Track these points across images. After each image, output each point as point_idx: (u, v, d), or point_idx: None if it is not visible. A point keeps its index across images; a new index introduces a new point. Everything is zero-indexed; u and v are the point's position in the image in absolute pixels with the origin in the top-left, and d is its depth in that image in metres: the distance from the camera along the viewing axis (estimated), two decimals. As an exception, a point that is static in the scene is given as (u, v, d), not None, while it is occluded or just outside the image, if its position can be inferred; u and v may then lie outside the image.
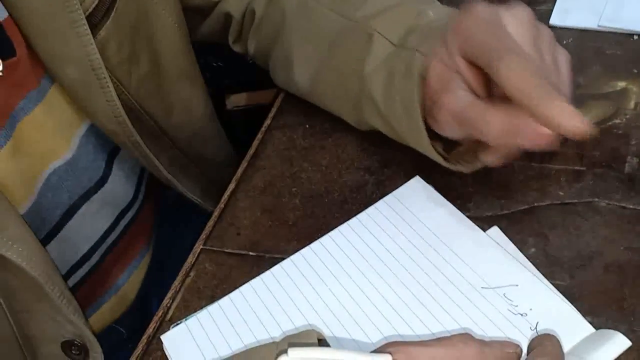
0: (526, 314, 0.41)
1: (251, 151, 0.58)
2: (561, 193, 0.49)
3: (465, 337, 0.37)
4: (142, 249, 0.65)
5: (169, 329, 0.46)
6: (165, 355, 0.45)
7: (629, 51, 0.59)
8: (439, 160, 0.46)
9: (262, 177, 0.56)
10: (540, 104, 0.36)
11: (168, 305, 0.48)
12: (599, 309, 0.42)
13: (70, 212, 0.55)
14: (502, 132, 0.39)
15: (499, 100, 0.40)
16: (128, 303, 0.64)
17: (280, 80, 0.61)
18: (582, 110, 0.36)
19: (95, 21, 0.49)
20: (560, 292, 0.42)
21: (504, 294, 0.42)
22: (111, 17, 0.51)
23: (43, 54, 0.48)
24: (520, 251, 0.45)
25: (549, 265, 0.44)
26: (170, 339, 0.45)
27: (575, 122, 0.35)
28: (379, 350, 0.36)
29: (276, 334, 0.43)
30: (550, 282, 0.43)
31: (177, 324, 0.46)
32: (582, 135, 0.35)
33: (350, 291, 0.45)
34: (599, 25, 0.61)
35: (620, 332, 0.39)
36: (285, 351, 0.36)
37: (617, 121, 0.53)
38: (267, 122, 0.61)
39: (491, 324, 0.41)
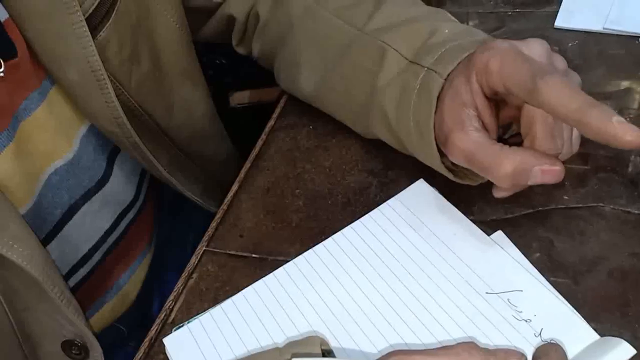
0: (530, 320, 0.41)
1: (254, 152, 0.58)
2: (566, 197, 0.48)
3: (469, 347, 0.37)
4: (143, 249, 0.65)
5: (171, 332, 0.46)
6: (168, 359, 0.45)
7: (633, 54, 0.59)
8: (449, 175, 0.47)
9: (265, 178, 0.56)
10: (593, 117, 0.36)
11: (170, 307, 0.48)
12: (603, 315, 0.41)
13: (71, 212, 0.55)
14: (512, 175, 0.41)
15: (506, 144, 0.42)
16: (129, 303, 0.64)
17: (285, 84, 0.61)
18: None
19: (95, 22, 0.49)
20: (565, 298, 0.42)
21: (508, 300, 0.42)
22: (112, 18, 0.50)
23: (43, 55, 0.48)
24: (525, 256, 0.45)
25: (553, 270, 0.44)
26: (173, 342, 0.45)
27: (635, 135, 0.36)
28: (382, 360, 0.36)
29: (279, 338, 0.43)
30: (555, 288, 0.42)
31: (180, 327, 0.46)
32: (638, 146, 0.36)
33: (354, 295, 0.44)
34: (604, 28, 0.61)
35: (624, 338, 0.39)
36: (289, 362, 0.36)
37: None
38: (271, 123, 0.61)
39: (495, 330, 0.41)
